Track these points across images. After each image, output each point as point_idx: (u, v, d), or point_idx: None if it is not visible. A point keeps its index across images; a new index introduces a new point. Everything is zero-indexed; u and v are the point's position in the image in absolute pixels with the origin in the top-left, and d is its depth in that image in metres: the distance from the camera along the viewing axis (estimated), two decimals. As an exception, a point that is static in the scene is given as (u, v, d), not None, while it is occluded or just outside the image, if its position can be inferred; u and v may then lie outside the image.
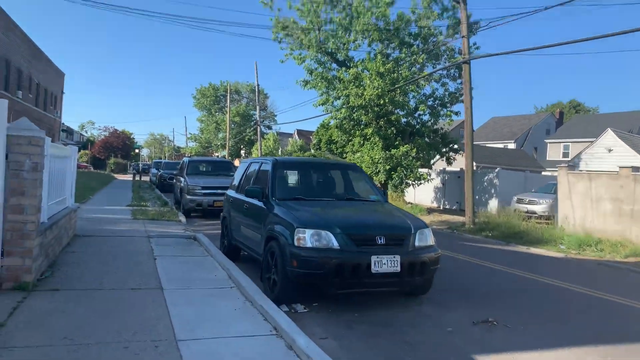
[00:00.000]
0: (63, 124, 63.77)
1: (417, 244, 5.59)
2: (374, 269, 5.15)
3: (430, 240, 5.81)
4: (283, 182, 6.90)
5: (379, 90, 20.07)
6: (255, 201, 6.82)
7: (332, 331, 4.83)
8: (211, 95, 69.38)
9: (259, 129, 43.69)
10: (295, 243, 5.32)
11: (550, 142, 50.87)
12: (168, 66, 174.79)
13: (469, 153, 16.75)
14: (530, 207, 19.93)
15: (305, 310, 5.47)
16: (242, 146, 67.43)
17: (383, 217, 6.07)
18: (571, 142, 48.67)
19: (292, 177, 7.16)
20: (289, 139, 70.92)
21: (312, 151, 59.15)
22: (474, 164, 36.06)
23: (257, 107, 44.14)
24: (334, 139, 27.15)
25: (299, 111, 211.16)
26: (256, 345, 4.14)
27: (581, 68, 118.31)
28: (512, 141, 54.69)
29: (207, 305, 5.17)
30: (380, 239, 5.36)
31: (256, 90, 43.13)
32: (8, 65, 28.63)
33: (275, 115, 71.79)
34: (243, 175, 8.22)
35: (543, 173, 36.19)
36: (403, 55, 21.73)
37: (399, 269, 5.25)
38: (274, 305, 5.07)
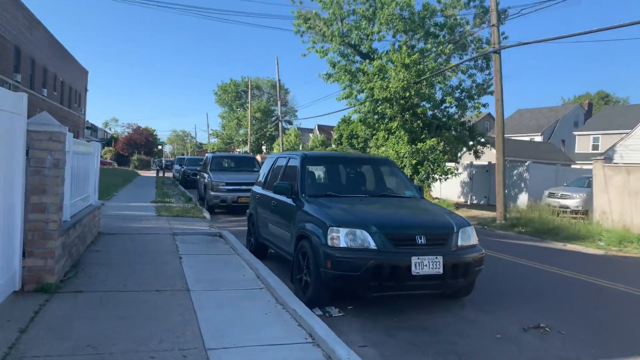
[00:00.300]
0: (87, 121, 64.73)
1: (459, 243, 5.19)
2: (415, 270, 4.78)
3: (474, 239, 5.40)
4: (313, 178, 6.55)
5: (405, 82, 19.56)
6: (283, 198, 6.50)
7: (371, 339, 4.48)
8: (232, 91, 69.66)
9: (280, 125, 43.49)
10: (329, 243, 4.97)
11: (579, 135, 49.43)
12: (190, 62, 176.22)
13: (500, 146, 16.14)
14: (563, 202, 19.21)
15: (340, 315, 5.12)
16: (263, 142, 67.51)
17: (422, 214, 5.67)
18: (601, 134, 47.18)
19: (322, 173, 6.80)
20: (310, 134, 70.70)
21: (334, 146, 58.76)
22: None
23: (279, 103, 43.90)
24: (357, 134, 26.75)
25: (319, 106, 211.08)
26: (291, 355, 3.81)
27: (609, 57, 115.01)
28: (539, 134, 53.35)
29: (237, 308, 4.87)
30: (421, 239, 4.98)
31: (277, 85, 42.87)
32: (33, 64, 28.95)
33: (296, 111, 71.72)
34: (269, 171, 7.91)
35: (572, 166, 35.13)
36: (429, 45, 21.16)
37: (441, 270, 4.87)
38: (307, 309, 4.74)
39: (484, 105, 22.41)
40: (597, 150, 47.08)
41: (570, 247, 12.01)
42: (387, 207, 5.90)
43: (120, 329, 4.12)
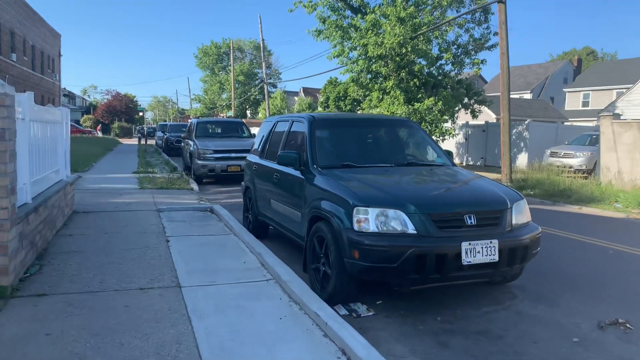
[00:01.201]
0: (64, 88, 61.98)
1: (514, 221, 4.21)
2: (466, 259, 3.80)
3: (527, 215, 4.42)
4: (325, 145, 5.44)
5: (401, 37, 18.25)
6: (289, 170, 5.42)
7: (419, 349, 3.52)
8: (213, 53, 67.28)
9: (265, 88, 41.87)
10: (355, 227, 3.95)
11: (569, 92, 48.61)
12: (168, 24, 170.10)
13: (506, 104, 15.13)
14: (566, 161, 18.42)
15: (370, 314, 4.15)
16: (247, 106, 65.71)
17: (466, 187, 4.64)
18: (592, 90, 46.43)
19: (335, 139, 5.69)
20: (295, 97, 68.98)
21: (320, 109, 57.30)
22: (495, 116, 34.24)
23: (263, 64, 42.14)
24: (344, 95, 25.46)
25: (304, 68, 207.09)
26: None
27: (595, 11, 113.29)
28: (528, 91, 52.46)
29: (243, 312, 3.87)
30: (470, 219, 3.98)
31: (261, 45, 40.99)
32: (-2, 26, 26.85)
33: (280, 73, 69.55)
34: (269, 137, 6.79)
35: (566, 124, 34.41)
36: (425, -3, 19.73)
37: (497, 257, 3.90)
38: (332, 312, 3.76)
39: (481, 62, 21.22)
40: (588, 107, 46.41)
41: (587, 210, 11.21)
42: (421, 179, 4.84)
43: (94, 353, 3.11)
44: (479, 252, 3.84)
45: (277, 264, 5.02)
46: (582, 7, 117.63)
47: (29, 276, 4.63)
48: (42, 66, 36.98)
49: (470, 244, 3.82)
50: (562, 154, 18.89)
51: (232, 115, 53.36)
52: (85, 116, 64.85)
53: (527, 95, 51.23)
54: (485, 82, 56.18)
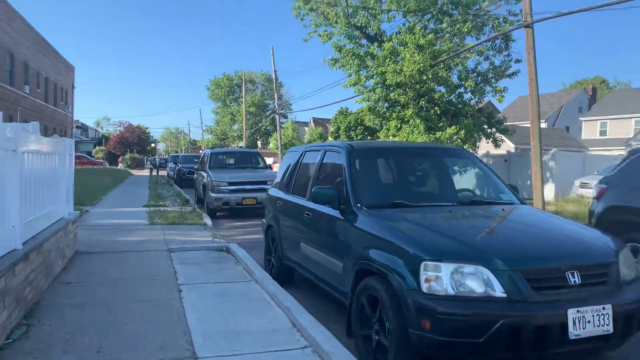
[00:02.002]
0: (77, 120, 62.31)
1: (623, 276, 3.28)
2: (573, 331, 2.88)
3: (636, 267, 3.50)
4: (369, 180, 4.58)
5: (420, 65, 17.62)
6: (325, 209, 4.55)
7: None
8: (225, 85, 67.96)
9: (277, 118, 41.46)
10: (424, 287, 3.04)
11: (585, 120, 47.85)
12: (181, 57, 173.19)
13: (536, 132, 14.30)
14: (599, 193, 17.38)
15: (443, 400, 3.22)
16: (258, 137, 65.64)
17: (556, 233, 3.69)
18: (610, 119, 45.63)
19: (380, 172, 4.85)
20: (305, 127, 68.85)
21: (331, 139, 56.91)
22: (514, 146, 33.37)
23: (275, 94, 41.86)
24: (365, 123, 24.84)
25: (314, 99, 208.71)
26: None
27: (608, 40, 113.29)
28: (543, 121, 51.56)
29: (278, 400, 2.97)
30: (573, 276, 3.07)
31: (274, 76, 40.82)
32: (12, 59, 26.78)
33: (291, 104, 69.65)
34: (295, 169, 5.97)
35: (587, 153, 33.40)
36: (445, 25, 19.19)
37: (611, 328, 2.98)
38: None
39: (503, 90, 20.49)
40: (606, 135, 45.44)
41: None
42: (497, 224, 3.90)
43: None
44: (589, 321, 2.92)
45: (312, 325, 4.11)
46: (593, 37, 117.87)
47: (10, 343, 3.77)
48: (55, 98, 36.98)
49: (578, 311, 2.90)
50: (594, 184, 17.87)
51: (244, 145, 53.06)
52: (97, 147, 64.98)
53: (542, 125, 50.41)
54: (498, 111, 55.52)
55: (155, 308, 4.77)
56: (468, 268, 3.03)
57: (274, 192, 6.58)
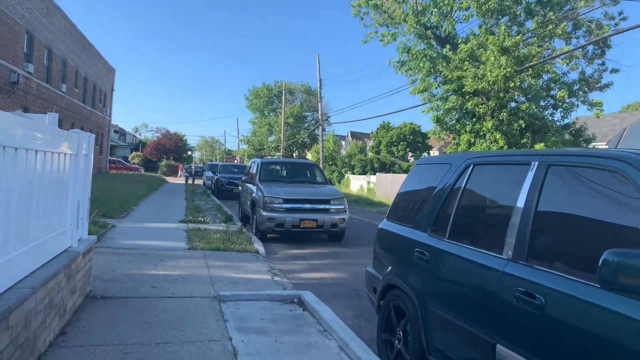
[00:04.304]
0: (115, 125, 61.75)
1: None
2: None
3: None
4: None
5: (507, 69, 15.00)
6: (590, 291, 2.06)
7: None
8: (264, 95, 66.51)
9: (320, 129, 39.28)
10: None
11: (655, 144, 43.76)
12: (220, 66, 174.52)
13: None
14: None
15: None
16: (294, 149, 63.71)
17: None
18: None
19: None
20: (342, 141, 66.76)
21: (371, 154, 54.36)
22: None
23: (320, 104, 39.75)
24: (429, 137, 22.42)
25: (350, 112, 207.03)
26: None
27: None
28: (604, 143, 47.90)
29: None
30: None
31: (318, 84, 38.70)
32: (50, 55, 25.39)
33: (329, 117, 67.58)
34: (452, 198, 3.44)
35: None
36: (534, 25, 16.51)
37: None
38: None
39: (599, 104, 17.61)
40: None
41: None
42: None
43: None
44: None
45: None
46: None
47: None
48: (93, 99, 35.76)
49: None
50: None
51: (281, 156, 51.09)
52: (133, 153, 64.31)
53: (603, 147, 46.74)
54: (586, 127, 52.03)
55: None
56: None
57: (407, 231, 3.92)
